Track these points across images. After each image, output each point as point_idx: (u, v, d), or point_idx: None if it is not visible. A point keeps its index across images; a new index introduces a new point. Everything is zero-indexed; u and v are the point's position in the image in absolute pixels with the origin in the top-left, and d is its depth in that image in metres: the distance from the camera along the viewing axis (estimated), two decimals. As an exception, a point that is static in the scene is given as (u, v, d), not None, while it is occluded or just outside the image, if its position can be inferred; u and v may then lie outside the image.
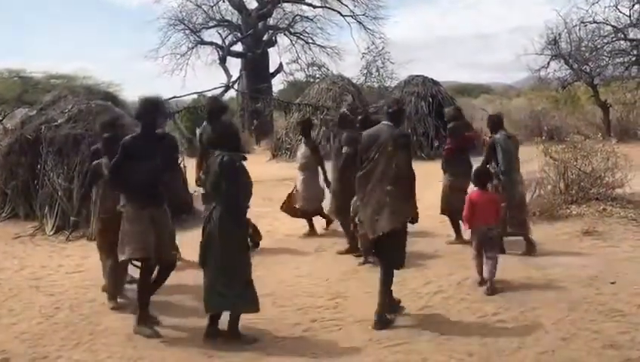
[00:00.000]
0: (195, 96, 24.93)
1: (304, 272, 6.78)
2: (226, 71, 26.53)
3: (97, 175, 5.87)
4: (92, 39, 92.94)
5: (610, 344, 4.48)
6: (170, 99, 18.97)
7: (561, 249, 7.23)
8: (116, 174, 5.07)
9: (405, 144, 5.11)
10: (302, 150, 8.83)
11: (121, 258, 5.12)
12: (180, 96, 22.74)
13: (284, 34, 30.13)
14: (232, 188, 4.65)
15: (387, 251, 5.11)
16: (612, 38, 21.84)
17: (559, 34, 22.64)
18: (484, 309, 5.36)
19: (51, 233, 9.15)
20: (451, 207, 7.50)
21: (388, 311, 5.11)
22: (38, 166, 9.86)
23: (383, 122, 5.24)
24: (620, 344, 4.47)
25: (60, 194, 9.43)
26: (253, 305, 4.80)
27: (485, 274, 5.87)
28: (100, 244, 5.93)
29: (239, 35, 28.82)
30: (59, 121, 10.28)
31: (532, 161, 9.46)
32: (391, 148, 4.99)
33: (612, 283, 5.85)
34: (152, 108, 5.09)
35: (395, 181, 4.97)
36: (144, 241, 4.95)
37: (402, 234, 5.14)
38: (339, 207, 7.54)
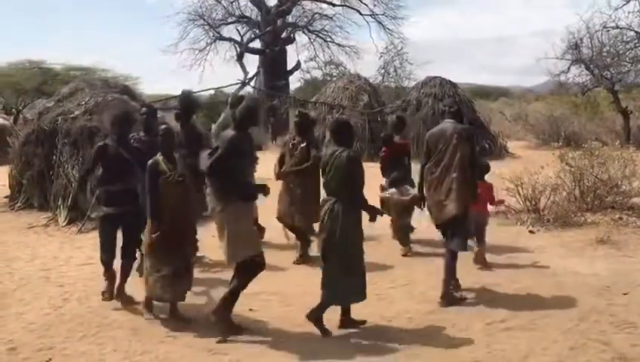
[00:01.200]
0: (212, 91, 25.02)
1: (315, 271, 6.73)
2: (243, 67, 26.57)
3: (157, 174, 5.17)
4: (111, 32, 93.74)
5: (620, 356, 4.39)
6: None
7: (574, 257, 7.13)
8: (219, 170, 4.82)
9: (468, 137, 5.74)
10: None
11: (240, 258, 4.85)
12: (197, 92, 22.81)
13: (303, 31, 30.12)
14: (357, 183, 4.91)
15: (451, 236, 5.69)
16: (635, 44, 21.50)
17: (581, 39, 22.38)
18: (492, 316, 5.29)
19: (64, 224, 9.23)
20: (389, 212, 7.43)
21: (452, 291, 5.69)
22: (54, 157, 9.96)
23: (447, 120, 5.88)
24: (629, 357, 4.39)
25: (74, 185, 9.51)
26: (364, 295, 5.06)
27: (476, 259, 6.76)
28: (153, 251, 5.19)
29: (258, 31, 28.85)
30: (75, 113, 10.39)
31: (548, 166, 9.38)
32: (456, 141, 5.60)
33: (625, 294, 5.76)
34: (257, 108, 5.16)
35: (460, 169, 5.57)
36: (257, 237, 4.96)
37: (465, 219, 5.66)
38: (303, 212, 7.10)
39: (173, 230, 5.13)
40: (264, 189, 5.06)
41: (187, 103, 7.25)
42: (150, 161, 5.22)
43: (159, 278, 5.16)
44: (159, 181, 5.14)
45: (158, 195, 5.12)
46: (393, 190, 7.49)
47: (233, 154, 4.80)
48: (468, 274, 6.43)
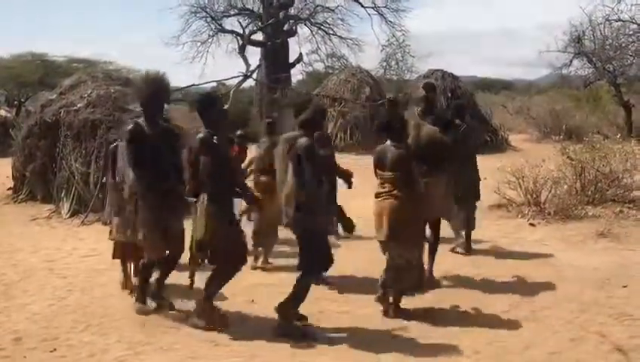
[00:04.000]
0: (214, 84, 24.98)
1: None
2: (245, 60, 26.48)
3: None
4: (113, 24, 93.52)
5: (618, 348, 4.43)
6: (188, 87, 19.03)
7: (575, 250, 7.16)
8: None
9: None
10: None
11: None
12: (199, 84, 22.79)
13: (305, 24, 29.98)
14: None
15: None
16: (638, 36, 21.44)
17: (583, 31, 22.30)
18: (494, 307, 5.33)
19: (67, 216, 9.28)
20: None
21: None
22: (57, 149, 9.99)
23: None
24: (627, 348, 4.43)
25: (76, 178, 9.57)
26: None
27: None
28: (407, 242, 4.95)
29: (260, 24, 28.76)
30: (78, 106, 10.41)
31: (549, 159, 9.40)
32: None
33: (624, 286, 5.79)
34: None
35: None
36: None
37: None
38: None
39: None
40: None
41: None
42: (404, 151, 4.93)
43: (415, 269, 5.01)
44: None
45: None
46: None
47: None
48: (470, 266, 6.49)
